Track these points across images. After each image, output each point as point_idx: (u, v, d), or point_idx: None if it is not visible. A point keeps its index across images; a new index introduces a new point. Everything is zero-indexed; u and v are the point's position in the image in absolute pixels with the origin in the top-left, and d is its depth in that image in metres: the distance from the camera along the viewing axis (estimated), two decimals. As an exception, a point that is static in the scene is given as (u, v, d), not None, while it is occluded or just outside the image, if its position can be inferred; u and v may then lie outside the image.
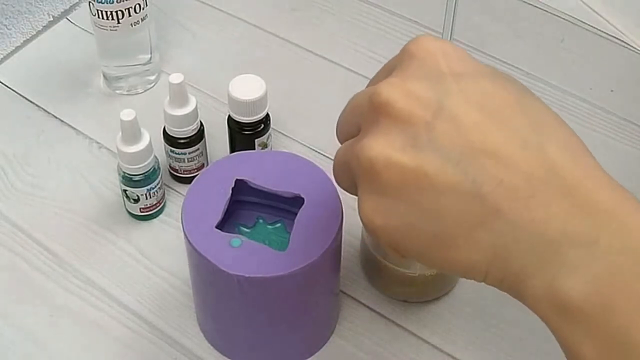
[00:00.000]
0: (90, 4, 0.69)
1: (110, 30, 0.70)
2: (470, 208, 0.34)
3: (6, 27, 0.77)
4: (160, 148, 0.66)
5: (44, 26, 0.81)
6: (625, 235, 0.32)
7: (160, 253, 0.64)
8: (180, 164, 0.66)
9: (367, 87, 0.42)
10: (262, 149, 0.66)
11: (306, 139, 0.72)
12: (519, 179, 0.34)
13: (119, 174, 0.63)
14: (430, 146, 0.35)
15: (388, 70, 0.39)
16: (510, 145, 0.34)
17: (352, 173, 0.38)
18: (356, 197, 0.39)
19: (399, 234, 0.36)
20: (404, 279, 0.59)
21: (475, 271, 0.36)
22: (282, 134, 0.72)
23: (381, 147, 0.36)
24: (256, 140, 0.66)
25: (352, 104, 0.40)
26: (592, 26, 0.82)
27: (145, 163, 0.61)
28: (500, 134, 0.35)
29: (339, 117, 0.42)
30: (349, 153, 0.38)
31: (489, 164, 0.34)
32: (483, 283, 0.36)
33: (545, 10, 0.84)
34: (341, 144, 0.41)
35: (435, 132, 0.35)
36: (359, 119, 0.38)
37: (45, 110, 0.74)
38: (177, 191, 0.68)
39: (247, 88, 0.63)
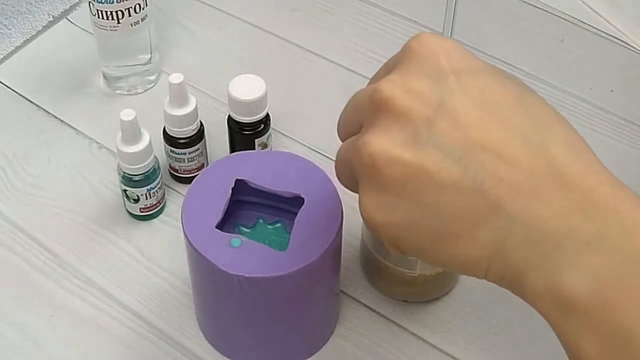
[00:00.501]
0: (90, 4, 0.69)
1: (110, 30, 0.70)
2: (471, 204, 0.34)
3: (6, 27, 0.77)
4: (160, 148, 0.66)
5: (44, 26, 0.81)
6: (625, 232, 0.32)
7: (160, 253, 0.64)
8: (180, 164, 0.66)
9: (368, 84, 0.42)
10: (262, 149, 0.66)
11: (306, 139, 0.72)
12: (519, 176, 0.34)
13: (119, 174, 0.63)
14: (431, 142, 0.35)
15: (389, 68, 0.39)
16: (511, 142, 0.34)
17: (353, 170, 0.38)
18: (357, 196, 0.39)
19: (400, 231, 0.36)
20: (404, 279, 0.59)
21: (477, 267, 0.36)
22: (282, 134, 0.72)
23: (382, 143, 0.36)
24: (256, 140, 0.66)
25: (354, 101, 0.40)
26: (592, 26, 0.82)
27: (145, 163, 0.61)
28: (500, 131, 0.35)
29: (340, 115, 0.42)
30: (350, 150, 0.38)
31: (490, 160, 0.34)
32: (483, 281, 0.37)
33: (545, 10, 0.84)
34: (343, 141, 0.41)
35: (436, 128, 0.35)
36: (361, 117, 0.39)
37: (45, 110, 0.74)
38: (177, 191, 0.68)
39: (247, 88, 0.63)
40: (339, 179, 0.41)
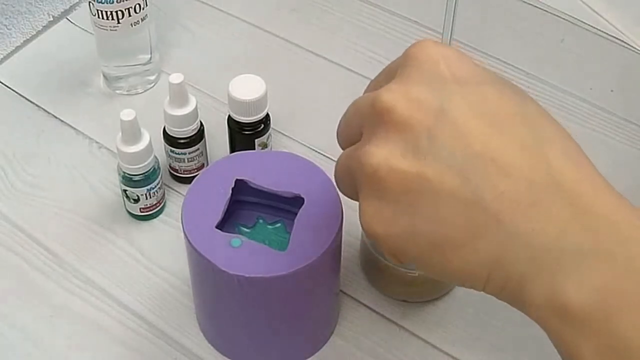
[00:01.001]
0: (90, 4, 0.69)
1: (110, 30, 0.70)
2: (471, 216, 0.34)
3: (6, 27, 0.77)
4: (160, 148, 0.66)
5: (44, 26, 0.81)
6: (624, 242, 0.33)
7: (160, 253, 0.64)
8: (180, 164, 0.66)
9: (367, 89, 0.42)
10: (262, 149, 0.66)
11: (306, 139, 0.72)
12: (519, 188, 0.34)
13: (119, 174, 0.63)
14: (431, 153, 0.35)
15: (389, 74, 0.39)
16: (511, 153, 0.34)
17: (354, 179, 0.38)
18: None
19: (400, 241, 0.36)
20: (404, 279, 0.59)
21: (475, 279, 0.36)
22: (282, 134, 0.72)
23: (383, 153, 0.36)
24: (256, 140, 0.66)
25: (353, 109, 0.40)
26: (592, 26, 0.82)
27: (145, 163, 0.61)
28: (501, 142, 0.35)
29: (340, 122, 0.42)
30: (351, 159, 0.38)
31: (490, 172, 0.34)
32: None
33: (545, 10, 0.84)
34: (343, 149, 0.41)
35: (436, 138, 0.35)
36: (361, 125, 0.39)
37: (45, 110, 0.74)
38: (177, 191, 0.68)
39: (247, 88, 0.63)
40: (338, 187, 0.41)
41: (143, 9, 0.70)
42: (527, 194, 0.34)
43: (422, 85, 0.36)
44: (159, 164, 0.64)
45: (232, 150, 0.68)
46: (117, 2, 0.68)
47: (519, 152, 0.34)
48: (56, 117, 0.73)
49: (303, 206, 0.52)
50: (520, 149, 0.34)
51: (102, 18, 0.69)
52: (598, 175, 0.35)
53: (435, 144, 0.35)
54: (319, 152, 0.70)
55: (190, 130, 0.64)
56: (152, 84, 0.76)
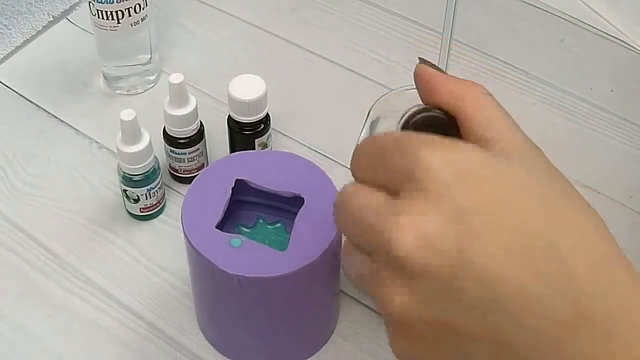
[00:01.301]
0: (90, 4, 0.69)
1: (110, 30, 0.70)
2: (499, 358, 0.34)
3: (6, 27, 0.77)
4: (160, 148, 0.66)
5: (44, 26, 0.81)
6: None
7: (160, 253, 0.64)
8: (180, 164, 0.66)
9: (355, 159, 0.39)
10: (262, 149, 0.66)
11: (306, 139, 0.72)
12: (546, 326, 0.33)
13: (119, 174, 0.63)
14: (453, 299, 0.34)
15: (388, 178, 0.36)
16: (535, 291, 0.33)
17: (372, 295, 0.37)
18: None
19: None
20: (404, 279, 0.59)
21: None
22: (282, 134, 0.72)
23: (404, 303, 0.34)
24: (256, 140, 0.66)
25: (358, 220, 0.37)
26: (592, 26, 0.82)
27: (145, 163, 0.61)
28: (523, 280, 0.33)
29: (338, 219, 0.39)
30: (369, 284, 0.37)
31: (515, 312, 0.33)
32: None
33: (545, 10, 0.84)
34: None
35: (456, 283, 0.33)
36: (368, 250, 0.36)
37: (45, 110, 0.74)
38: (177, 191, 0.68)
39: (247, 88, 0.63)
40: (346, 276, 0.39)
41: (143, 9, 0.70)
42: (553, 332, 0.33)
43: (435, 221, 0.33)
44: (159, 164, 0.64)
45: (232, 150, 0.68)
46: (117, 2, 0.68)
47: (544, 289, 0.33)
48: (56, 117, 0.73)
49: (303, 206, 0.52)
50: (544, 285, 0.33)
51: (102, 18, 0.69)
52: (628, 291, 0.34)
53: (455, 290, 0.33)
54: (319, 152, 0.70)
55: (190, 130, 0.64)
56: (152, 84, 0.76)
